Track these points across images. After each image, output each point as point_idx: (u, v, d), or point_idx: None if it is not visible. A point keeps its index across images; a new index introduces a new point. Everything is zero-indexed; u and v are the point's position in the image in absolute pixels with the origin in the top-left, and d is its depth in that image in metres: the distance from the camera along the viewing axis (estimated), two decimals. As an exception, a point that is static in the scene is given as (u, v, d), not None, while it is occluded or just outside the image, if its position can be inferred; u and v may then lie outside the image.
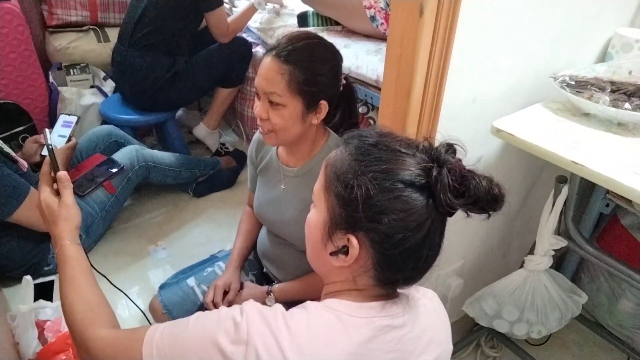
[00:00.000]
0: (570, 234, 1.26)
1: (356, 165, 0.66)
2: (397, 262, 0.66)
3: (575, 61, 1.22)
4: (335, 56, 1.11)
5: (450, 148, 0.69)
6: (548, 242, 1.23)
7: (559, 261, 1.66)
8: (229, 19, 2.22)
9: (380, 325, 0.67)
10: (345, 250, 0.67)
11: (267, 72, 1.04)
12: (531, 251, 1.28)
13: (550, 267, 1.29)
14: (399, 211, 0.63)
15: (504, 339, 1.53)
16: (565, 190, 1.16)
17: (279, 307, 0.68)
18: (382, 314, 0.68)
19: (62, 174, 0.88)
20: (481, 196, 0.64)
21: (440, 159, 0.66)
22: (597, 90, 1.05)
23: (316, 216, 0.72)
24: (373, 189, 0.64)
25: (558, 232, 1.28)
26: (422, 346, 0.71)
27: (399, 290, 0.74)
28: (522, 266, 1.30)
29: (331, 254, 0.69)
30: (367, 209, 0.64)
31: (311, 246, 0.74)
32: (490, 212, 0.66)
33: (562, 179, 1.17)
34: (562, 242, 1.24)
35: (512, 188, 1.39)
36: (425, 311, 0.75)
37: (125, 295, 1.07)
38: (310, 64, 1.04)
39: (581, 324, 1.62)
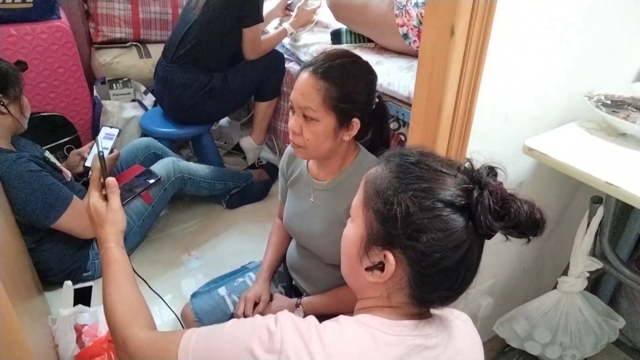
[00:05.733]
0: (606, 256, 1.23)
1: (397, 183, 0.67)
2: (432, 282, 0.66)
3: (612, 80, 1.20)
4: (370, 75, 1.13)
5: (491, 171, 0.69)
6: (583, 263, 1.20)
7: (596, 283, 1.61)
8: (265, 39, 2.30)
9: (413, 344, 0.67)
10: (381, 267, 0.68)
11: (303, 87, 1.07)
12: (565, 272, 1.25)
13: (586, 290, 1.26)
14: (438, 230, 0.64)
15: (536, 361, 1.49)
16: (600, 211, 1.14)
17: (313, 319, 0.69)
18: (415, 333, 0.68)
19: (111, 180, 0.92)
20: (522, 220, 0.63)
21: (481, 181, 0.66)
22: (634, 110, 1.03)
23: (353, 231, 0.72)
24: (413, 207, 0.64)
25: (593, 253, 1.24)
26: None
27: (432, 311, 0.73)
28: (555, 287, 1.27)
29: (367, 269, 0.69)
30: (406, 227, 0.65)
31: (347, 260, 0.75)
32: (530, 237, 0.66)
33: (597, 200, 1.14)
34: (597, 264, 1.21)
35: (545, 208, 1.36)
36: (459, 334, 0.74)
37: (162, 299, 1.11)
38: (346, 81, 1.07)
39: (619, 350, 1.56)
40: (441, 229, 0.64)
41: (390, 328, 0.68)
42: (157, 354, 0.74)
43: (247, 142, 2.57)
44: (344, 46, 2.14)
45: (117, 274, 0.86)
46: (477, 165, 0.69)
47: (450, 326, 0.73)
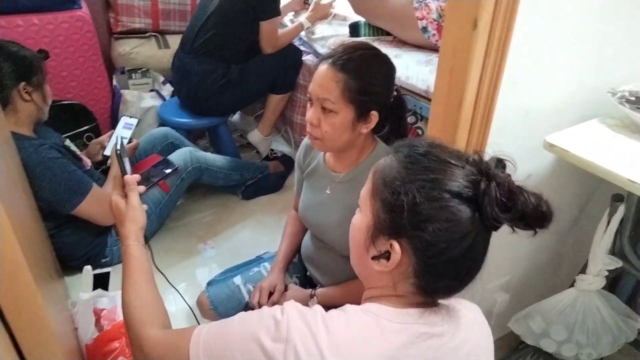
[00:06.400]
0: (626, 255, 1.21)
1: (404, 173, 0.68)
2: (438, 271, 0.67)
3: (636, 76, 1.18)
4: (389, 68, 1.13)
5: (500, 163, 0.69)
6: (601, 262, 1.18)
7: (614, 282, 1.59)
8: (283, 33, 2.30)
9: (417, 332, 0.68)
10: (387, 256, 0.69)
11: (322, 79, 1.07)
12: (583, 270, 1.24)
13: (604, 288, 1.24)
14: (444, 221, 0.64)
15: (551, 359, 1.48)
16: (621, 209, 1.12)
17: (319, 307, 0.70)
18: (420, 322, 0.69)
19: (129, 177, 0.94)
20: (528, 212, 0.64)
21: (489, 173, 0.66)
22: (660, 106, 1.02)
23: (361, 220, 0.73)
24: (420, 197, 0.65)
25: (613, 252, 1.23)
26: (461, 357, 0.71)
27: (440, 301, 0.74)
28: (572, 285, 1.26)
29: (373, 258, 0.70)
30: (412, 216, 0.65)
31: (354, 249, 0.76)
32: (537, 229, 0.66)
33: (618, 198, 1.13)
34: (616, 263, 1.19)
35: (563, 205, 1.35)
36: (467, 323, 0.74)
37: (177, 291, 1.12)
38: (365, 74, 1.07)
39: (636, 350, 1.54)
40: (447, 219, 0.64)
41: (395, 316, 0.69)
42: (170, 351, 0.76)
43: (255, 135, 2.58)
44: (362, 39, 2.13)
45: (134, 272, 0.87)
46: (485, 158, 0.69)
47: (457, 316, 0.73)
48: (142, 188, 0.96)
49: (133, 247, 0.89)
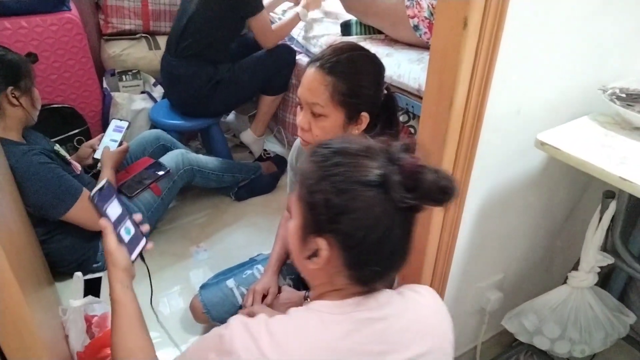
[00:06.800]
0: (617, 251, 1.22)
1: (318, 172, 0.71)
2: (364, 259, 0.71)
3: (626, 73, 1.18)
4: (378, 68, 1.12)
5: (407, 147, 0.72)
6: (593, 258, 1.19)
7: (606, 279, 1.59)
8: (274, 26, 2.27)
9: (359, 318, 0.71)
10: (317, 254, 0.72)
11: (310, 83, 1.06)
12: (575, 267, 1.24)
13: (596, 285, 1.25)
14: (357, 210, 0.68)
15: (545, 356, 1.49)
16: (612, 206, 1.12)
17: (263, 315, 0.73)
18: (361, 309, 0.72)
19: (101, 221, 0.91)
20: (430, 189, 0.67)
21: (393, 158, 0.69)
22: (650, 103, 1.02)
23: (293, 223, 0.76)
24: (332, 192, 0.68)
25: (605, 248, 1.23)
26: (410, 338, 0.74)
27: (386, 289, 0.77)
28: (565, 282, 1.26)
29: (307, 258, 0.74)
30: (328, 211, 0.69)
31: (293, 254, 0.79)
32: (444, 204, 0.69)
33: (609, 194, 1.13)
34: (608, 259, 1.20)
35: (556, 202, 1.35)
36: (415, 304, 0.78)
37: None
38: (354, 76, 1.06)
39: (629, 345, 1.55)
40: (359, 208, 0.67)
41: (335, 308, 0.72)
42: None
43: (248, 135, 2.56)
44: (353, 38, 2.12)
45: (119, 318, 0.88)
46: (394, 145, 0.72)
47: (404, 299, 0.77)
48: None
49: (116, 292, 0.89)
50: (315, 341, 0.68)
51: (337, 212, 0.68)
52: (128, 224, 0.97)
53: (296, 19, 2.32)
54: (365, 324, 0.71)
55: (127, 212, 0.98)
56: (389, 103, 1.19)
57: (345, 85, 1.04)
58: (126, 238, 0.95)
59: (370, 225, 0.68)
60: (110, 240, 0.91)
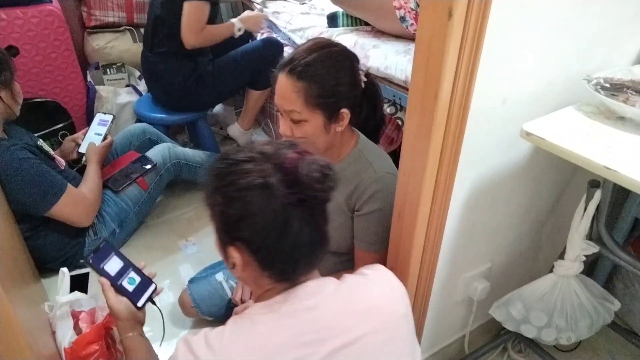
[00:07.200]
0: (602, 239, 1.23)
1: (211, 185, 0.74)
2: (274, 258, 0.72)
3: (611, 62, 1.19)
4: (350, 61, 1.09)
5: (292, 145, 0.74)
6: (579, 247, 1.20)
7: (591, 267, 1.62)
8: (209, 26, 2.09)
9: (287, 311, 0.73)
10: (234, 262, 0.74)
11: (283, 91, 1.04)
12: (561, 256, 1.25)
13: (582, 273, 1.26)
14: (252, 216, 0.69)
15: (532, 344, 1.51)
16: (597, 195, 1.14)
17: (208, 328, 0.74)
18: (287, 303, 0.74)
19: (100, 280, 1.00)
20: (307, 181, 0.69)
21: (274, 158, 0.71)
22: (634, 93, 1.02)
23: (215, 238, 0.79)
24: (224, 203, 0.71)
25: (590, 237, 1.24)
26: (350, 320, 0.74)
27: (314, 277, 0.78)
28: (551, 271, 1.28)
29: (232, 267, 0.76)
30: (225, 221, 0.72)
31: (228, 267, 0.81)
32: (327, 193, 0.71)
33: (594, 184, 1.14)
34: (593, 248, 1.21)
35: (542, 192, 1.36)
36: (357, 285, 0.79)
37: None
38: (325, 76, 1.03)
39: (614, 332, 1.58)
40: (253, 213, 0.69)
41: (263, 308, 0.74)
42: None
43: (235, 129, 2.54)
44: (340, 29, 2.11)
45: None
46: (279, 144, 0.74)
47: (345, 283, 0.78)
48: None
49: (123, 342, 0.98)
50: (246, 342, 0.69)
51: (235, 220, 0.71)
52: (132, 274, 1.04)
53: (230, 27, 2.19)
54: (293, 316, 0.72)
55: (129, 264, 1.05)
56: (370, 90, 1.17)
57: (318, 88, 1.02)
58: (130, 288, 1.02)
59: (268, 226, 0.69)
60: (108, 297, 0.99)
